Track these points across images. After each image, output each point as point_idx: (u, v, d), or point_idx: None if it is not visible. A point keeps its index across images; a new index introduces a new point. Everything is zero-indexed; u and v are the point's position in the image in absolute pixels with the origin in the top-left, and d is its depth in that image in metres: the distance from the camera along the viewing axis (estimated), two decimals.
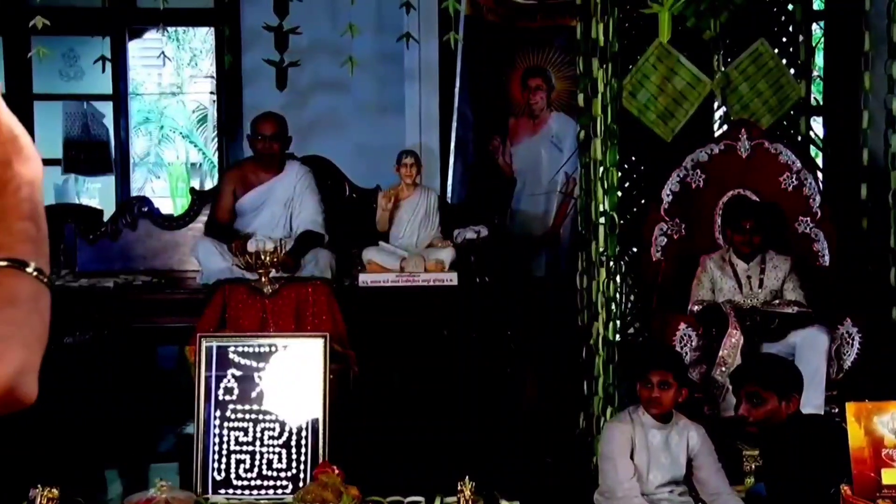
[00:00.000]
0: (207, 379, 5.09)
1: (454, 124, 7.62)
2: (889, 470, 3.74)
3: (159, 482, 4.79)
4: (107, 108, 9.57)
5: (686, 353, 5.73)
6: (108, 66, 8.43)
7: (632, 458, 4.76)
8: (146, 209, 7.44)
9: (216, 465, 4.99)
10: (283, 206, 6.82)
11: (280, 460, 5.00)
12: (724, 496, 4.74)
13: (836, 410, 5.26)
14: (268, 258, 6.05)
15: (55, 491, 4.47)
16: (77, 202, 11.00)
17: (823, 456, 4.27)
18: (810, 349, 5.67)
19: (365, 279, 6.52)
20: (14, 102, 8.85)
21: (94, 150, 9.75)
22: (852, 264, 6.43)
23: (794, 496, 4.32)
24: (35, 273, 1.37)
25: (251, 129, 6.92)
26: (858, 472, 3.76)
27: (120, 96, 9.29)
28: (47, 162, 9.27)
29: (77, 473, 5.33)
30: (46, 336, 1.43)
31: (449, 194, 7.55)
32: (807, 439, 4.57)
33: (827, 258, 6.30)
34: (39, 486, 4.44)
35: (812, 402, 5.48)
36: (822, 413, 5.49)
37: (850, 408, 3.85)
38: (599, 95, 5.91)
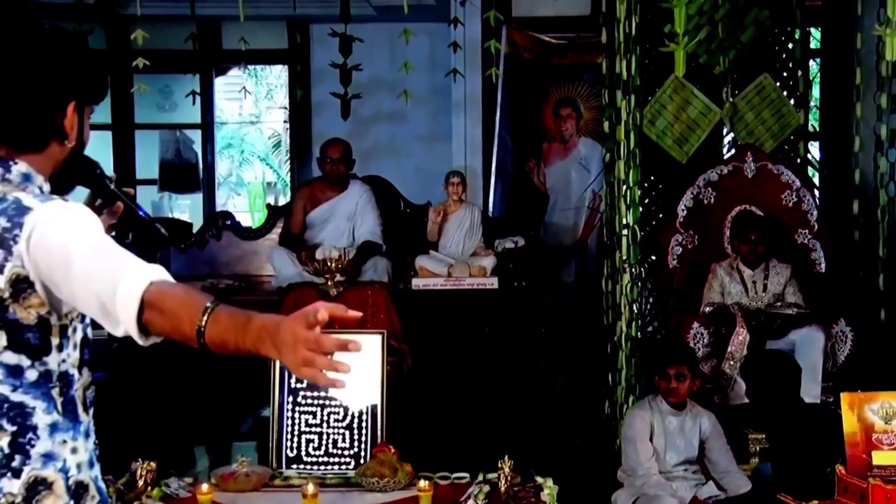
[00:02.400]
0: (282, 370, 5.10)
1: (495, 148, 7.61)
2: (879, 452, 3.71)
3: (240, 458, 4.81)
4: (196, 136, 9.65)
5: (699, 349, 5.70)
6: (198, 99, 8.53)
7: (651, 440, 4.73)
8: (229, 222, 7.48)
9: (289, 443, 5.00)
10: (346, 220, 6.85)
11: (344, 440, 5.00)
12: (733, 474, 4.71)
13: (832, 400, 5.21)
14: (333, 265, 6.07)
15: (153, 464, 4.50)
16: (170, 216, 11.08)
17: (821, 440, 4.23)
18: (808, 346, 5.63)
19: (417, 283, 6.52)
20: (119, 131, 8.99)
21: (184, 172, 9.82)
22: (846, 271, 6.38)
23: (795, 475, 4.28)
24: None
25: (320, 152, 6.95)
26: (852, 454, 3.73)
27: (207, 125, 9.40)
28: (146, 182, 9.43)
29: (171, 450, 5.36)
30: None
31: (490, 209, 7.54)
32: (807, 425, 4.54)
33: (823, 265, 6.25)
34: (140, 460, 4.48)
35: (810, 392, 5.44)
36: (820, 402, 5.44)
37: (845, 397, 3.82)
38: (623, 123, 5.90)
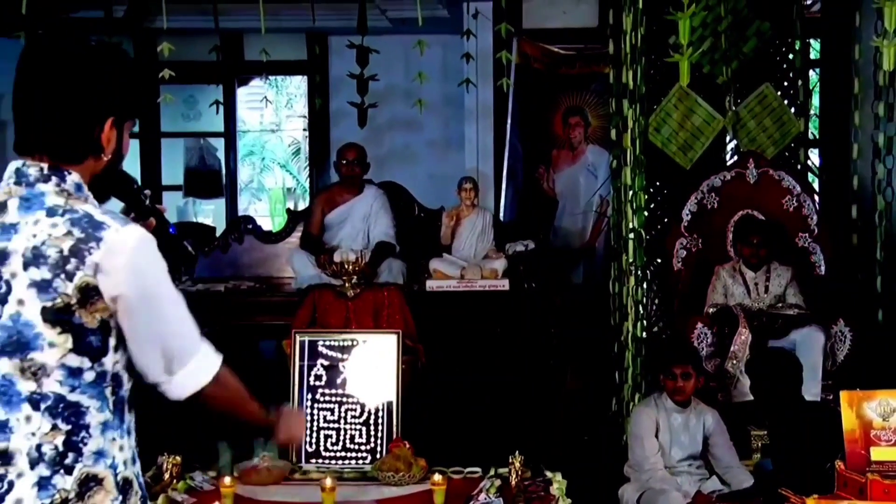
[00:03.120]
0: (301, 367, 5.12)
1: (506, 155, 7.61)
2: (877, 448, 3.70)
3: (262, 453, 4.83)
4: (219, 143, 9.68)
5: (702, 349, 5.69)
6: (221, 108, 8.55)
7: (656, 437, 4.73)
8: (250, 226, 7.49)
9: (308, 439, 5.01)
10: (362, 221, 6.86)
11: (360, 436, 5.01)
12: (735, 469, 4.71)
13: (832, 398, 5.19)
14: (350, 267, 6.08)
15: (178, 458, 4.53)
16: (195, 220, 11.12)
17: (821, 436, 4.22)
18: (809, 345, 5.62)
19: (431, 285, 6.52)
20: (146, 140, 9.02)
21: (208, 178, 9.86)
22: (844, 273, 6.36)
23: (796, 470, 4.26)
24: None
25: (337, 155, 6.98)
26: (851, 450, 3.72)
27: (230, 133, 9.42)
28: (171, 188, 9.47)
29: (195, 445, 5.37)
30: None
31: (502, 214, 7.53)
32: (808, 422, 4.52)
33: (823, 268, 6.24)
34: (166, 454, 4.50)
35: (811, 390, 5.42)
36: (820, 400, 5.43)
37: (844, 395, 3.81)
38: (629, 130, 5.89)
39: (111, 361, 1.86)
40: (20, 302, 1.80)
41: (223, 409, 2.06)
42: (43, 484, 1.79)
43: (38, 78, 1.90)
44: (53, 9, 6.71)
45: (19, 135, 1.92)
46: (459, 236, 6.84)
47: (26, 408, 1.80)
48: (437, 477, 4.28)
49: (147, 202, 2.16)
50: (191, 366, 1.93)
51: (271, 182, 17.86)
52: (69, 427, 1.82)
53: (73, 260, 1.79)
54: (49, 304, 1.79)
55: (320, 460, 4.97)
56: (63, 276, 1.78)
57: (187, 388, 1.94)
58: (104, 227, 1.82)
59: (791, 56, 7.07)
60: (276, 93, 16.84)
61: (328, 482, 4.23)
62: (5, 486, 1.79)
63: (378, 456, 4.88)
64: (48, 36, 1.94)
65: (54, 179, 1.88)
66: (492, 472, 4.59)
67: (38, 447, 1.80)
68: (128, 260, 1.82)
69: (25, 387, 1.80)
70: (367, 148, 7.02)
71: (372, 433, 5.01)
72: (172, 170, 9.61)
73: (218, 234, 7.74)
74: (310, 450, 5.00)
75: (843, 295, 6.14)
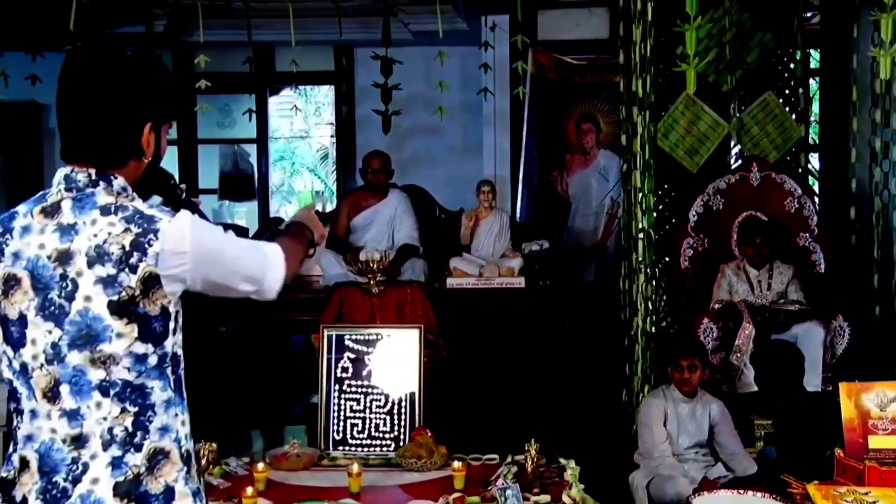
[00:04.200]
0: (328, 360, 5.14)
1: (522, 159, 7.61)
2: (875, 437, 3.69)
3: (292, 440, 4.85)
4: (252, 149, 9.72)
5: (708, 343, 5.68)
6: (254, 116, 8.59)
7: (664, 426, 4.72)
8: (281, 227, 7.50)
9: (335, 427, 5.03)
10: (387, 224, 6.87)
11: (385, 424, 5.02)
12: (740, 457, 4.69)
13: (831, 389, 5.16)
14: (375, 265, 6.09)
15: (214, 445, 4.55)
16: (229, 222, 11.16)
17: (821, 425, 4.20)
18: (809, 340, 5.60)
19: (451, 282, 6.52)
20: (184, 146, 9.07)
21: (242, 182, 9.89)
22: (843, 271, 6.33)
23: (799, 458, 4.25)
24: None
25: (363, 163, 6.98)
26: (850, 438, 3.70)
27: (262, 140, 9.46)
28: (207, 191, 9.51)
29: (230, 433, 5.40)
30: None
31: (518, 215, 7.53)
32: (808, 412, 4.51)
33: (823, 266, 6.21)
34: (203, 441, 4.52)
35: (811, 382, 5.42)
36: (820, 391, 5.41)
37: (843, 387, 3.80)
38: (638, 136, 5.88)
39: (171, 343, 1.90)
40: (87, 298, 1.82)
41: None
42: (116, 463, 1.83)
43: (78, 88, 1.91)
44: (98, 25, 6.75)
45: (65, 143, 1.94)
46: (478, 236, 6.85)
47: (96, 395, 1.84)
48: (457, 463, 4.29)
49: (183, 196, 2.21)
50: (268, 274, 2.03)
51: (301, 185, 17.87)
52: (136, 409, 1.85)
53: (135, 254, 1.82)
54: (115, 297, 1.82)
55: (347, 447, 4.98)
56: (127, 269, 1.82)
57: (274, 288, 2.06)
58: (157, 220, 1.86)
59: (792, 66, 7.04)
60: (306, 101, 16.86)
61: (354, 468, 4.25)
62: (80, 468, 1.82)
63: (401, 443, 4.89)
64: (85, 48, 1.96)
65: (102, 183, 1.90)
66: (509, 459, 4.60)
67: (110, 430, 1.83)
68: (190, 245, 1.87)
69: (95, 376, 1.83)
70: (391, 153, 7.03)
71: (396, 422, 5.02)
72: (208, 174, 9.66)
73: (251, 234, 7.77)
74: (337, 438, 5.02)
75: (842, 292, 6.11)
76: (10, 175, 8.25)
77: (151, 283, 1.83)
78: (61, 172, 1.93)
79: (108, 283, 1.81)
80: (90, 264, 1.82)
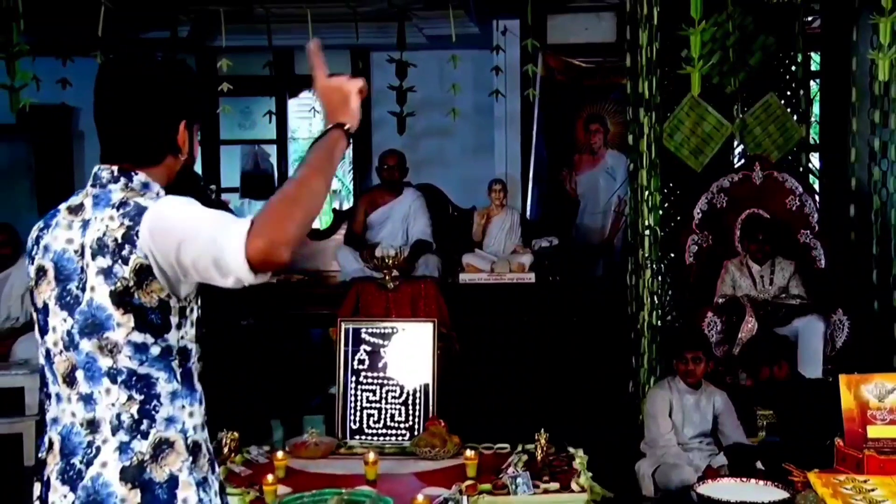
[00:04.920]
0: (346, 353, 5.15)
1: (532, 159, 7.60)
2: (873, 426, 3.69)
3: (311, 430, 4.86)
4: (272, 150, 9.72)
5: (712, 336, 5.67)
6: (274, 118, 8.60)
7: (670, 416, 4.72)
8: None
9: (352, 417, 5.04)
10: (401, 221, 6.87)
11: (400, 414, 5.03)
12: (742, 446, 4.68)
13: (831, 381, 5.15)
14: (390, 261, 6.11)
15: (236, 434, 4.57)
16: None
17: (821, 416, 4.19)
18: (810, 333, 5.59)
19: (464, 278, 6.53)
20: (207, 146, 9.09)
21: (262, 181, 9.87)
22: (843, 267, 6.30)
23: (800, 446, 4.24)
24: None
25: (378, 161, 7.00)
26: (849, 428, 3.70)
27: (282, 140, 9.47)
28: (229, 190, 9.52)
29: (251, 422, 5.41)
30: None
31: (528, 213, 7.52)
32: (809, 403, 4.50)
33: (823, 262, 6.19)
34: (225, 430, 4.54)
35: (812, 373, 5.41)
36: (820, 382, 5.40)
37: (843, 379, 3.79)
38: (645, 136, 5.88)
39: (175, 337, 1.89)
40: (92, 289, 1.85)
41: (295, 217, 1.74)
42: (123, 448, 1.84)
43: (116, 93, 1.96)
44: (125, 30, 6.78)
45: (105, 146, 1.98)
46: (489, 233, 6.84)
47: (106, 381, 1.86)
48: (470, 452, 4.29)
49: (213, 196, 2.21)
50: (229, 259, 1.69)
51: None
52: (142, 397, 1.86)
53: (126, 245, 1.83)
54: (112, 288, 1.84)
55: (363, 437, 4.99)
56: (120, 261, 1.83)
57: (236, 269, 1.69)
58: (145, 210, 1.85)
59: (793, 68, 7.02)
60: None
61: (371, 456, 4.26)
62: (94, 451, 1.85)
63: (416, 433, 4.90)
64: (120, 56, 2.00)
65: (122, 180, 1.93)
66: (519, 448, 4.60)
67: (118, 416, 1.85)
68: (159, 213, 1.81)
69: (104, 363, 1.86)
70: (406, 153, 7.04)
71: (410, 412, 5.03)
72: (230, 174, 9.67)
73: None
74: (354, 427, 5.03)
75: (842, 286, 6.09)
76: (42, 175, 8.29)
77: (144, 274, 1.83)
78: (93, 171, 1.97)
79: (106, 274, 1.84)
80: (93, 256, 1.85)
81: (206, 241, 1.72)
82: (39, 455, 1.95)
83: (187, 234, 1.75)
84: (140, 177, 1.94)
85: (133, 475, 1.83)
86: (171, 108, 1.98)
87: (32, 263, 1.96)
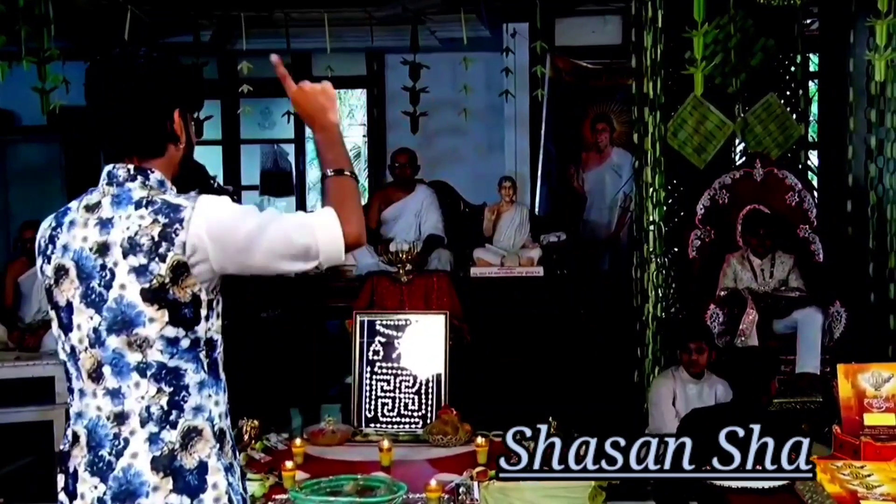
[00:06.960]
0: (361, 344, 5.16)
1: (541, 157, 7.59)
2: (870, 414, 3.66)
3: (328, 418, 4.89)
4: (290, 148, 9.75)
5: (715, 327, 5.66)
6: (292, 118, 8.60)
7: (673, 405, 4.72)
8: None
9: (367, 406, 5.06)
10: (414, 217, 6.88)
11: (413, 403, 5.04)
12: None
13: (829, 370, 5.14)
14: (404, 256, 6.12)
15: (256, 422, 4.58)
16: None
17: (820, 404, 4.19)
18: (809, 324, 5.57)
19: (475, 271, 6.53)
20: (228, 146, 9.12)
21: (281, 179, 9.91)
22: (841, 261, 6.28)
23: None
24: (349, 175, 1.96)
25: (391, 159, 7.02)
26: (847, 416, 3.68)
27: (300, 139, 9.51)
28: (249, 187, 9.55)
29: (271, 410, 5.43)
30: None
31: (537, 209, 7.53)
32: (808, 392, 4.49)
33: (822, 256, 6.15)
34: (245, 418, 4.56)
35: (811, 364, 5.39)
36: (819, 372, 5.39)
37: (840, 368, 3.77)
38: (649, 135, 5.87)
39: (203, 329, 1.89)
40: (122, 286, 1.83)
41: (360, 211, 1.95)
42: (153, 439, 1.84)
43: (109, 90, 1.93)
44: (150, 35, 6.81)
45: (106, 143, 1.96)
46: (500, 229, 6.84)
47: (135, 376, 1.85)
48: (481, 440, 4.30)
49: (216, 185, 2.20)
50: (321, 245, 1.86)
51: None
52: (171, 389, 1.86)
53: (163, 244, 1.82)
54: (147, 285, 1.82)
55: (378, 425, 5.01)
56: (157, 259, 1.82)
57: (334, 255, 1.88)
58: (182, 209, 1.84)
59: (793, 69, 6.98)
60: (340, 104, 16.87)
61: (385, 443, 4.27)
62: (122, 443, 1.84)
63: (429, 421, 4.91)
64: (104, 57, 1.97)
65: (140, 178, 1.91)
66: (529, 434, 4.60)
67: (148, 408, 1.85)
68: (208, 234, 1.83)
69: (133, 358, 1.85)
70: (418, 151, 7.05)
71: (423, 401, 5.04)
72: (250, 172, 9.70)
73: None
74: (369, 415, 5.05)
75: (840, 279, 6.06)
76: (71, 174, 8.34)
77: (180, 270, 1.82)
78: (106, 169, 1.95)
79: (140, 272, 1.82)
80: (125, 255, 1.83)
81: (286, 231, 1.84)
82: (62, 447, 1.94)
83: (254, 231, 1.83)
84: (156, 174, 1.93)
85: (164, 464, 1.83)
86: (162, 97, 1.94)
87: (48, 262, 1.93)
